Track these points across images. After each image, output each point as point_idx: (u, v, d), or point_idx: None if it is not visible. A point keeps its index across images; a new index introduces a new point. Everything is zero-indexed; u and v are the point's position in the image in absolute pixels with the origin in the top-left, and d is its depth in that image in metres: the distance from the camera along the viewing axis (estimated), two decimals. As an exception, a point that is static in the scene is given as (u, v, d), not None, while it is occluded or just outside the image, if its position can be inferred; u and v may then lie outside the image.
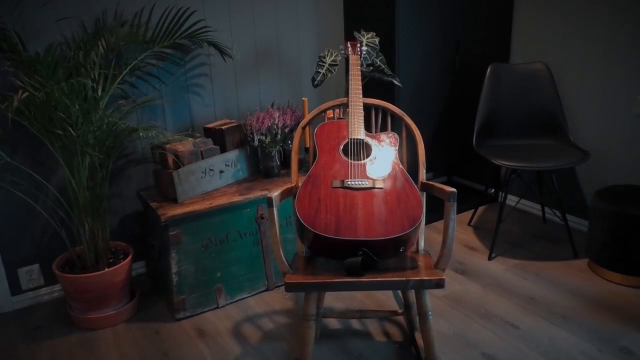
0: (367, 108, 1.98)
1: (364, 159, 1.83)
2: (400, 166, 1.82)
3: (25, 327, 2.27)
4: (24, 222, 2.35)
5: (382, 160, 1.83)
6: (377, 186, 1.70)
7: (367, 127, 1.95)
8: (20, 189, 2.27)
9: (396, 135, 1.91)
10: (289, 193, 1.80)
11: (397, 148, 1.88)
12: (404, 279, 1.56)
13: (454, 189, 1.61)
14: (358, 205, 1.64)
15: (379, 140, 1.89)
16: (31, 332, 2.23)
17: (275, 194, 1.67)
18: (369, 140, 1.88)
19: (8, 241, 2.33)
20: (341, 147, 1.86)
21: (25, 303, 2.42)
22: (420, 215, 1.62)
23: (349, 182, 1.71)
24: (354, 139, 1.86)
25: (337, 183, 1.72)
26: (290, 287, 1.59)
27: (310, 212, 1.62)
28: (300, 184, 1.75)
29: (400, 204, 1.65)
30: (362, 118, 1.90)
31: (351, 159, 1.82)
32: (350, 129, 1.88)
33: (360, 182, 1.71)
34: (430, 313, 1.68)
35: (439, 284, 1.56)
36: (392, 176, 1.76)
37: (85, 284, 2.15)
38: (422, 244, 1.83)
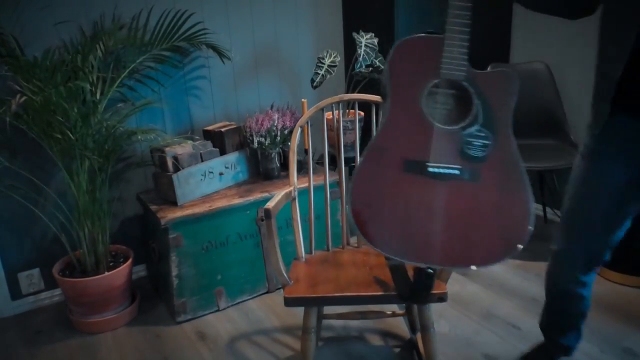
0: None
1: (459, 122, 1.22)
2: (514, 140, 1.21)
3: (26, 331, 2.26)
4: (23, 226, 2.35)
5: (487, 125, 1.20)
6: (471, 178, 1.19)
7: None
8: (20, 193, 2.27)
9: (514, 75, 1.26)
10: (287, 198, 1.73)
11: (515, 99, 1.24)
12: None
13: None
14: (439, 213, 1.20)
15: (487, 85, 1.21)
16: (31, 337, 2.22)
17: (272, 204, 1.55)
18: (469, 85, 1.22)
19: (8, 246, 2.33)
20: (425, 92, 1.24)
21: (25, 307, 2.42)
22: (525, 237, 1.22)
23: (431, 168, 1.21)
24: (447, 79, 1.23)
25: (412, 166, 1.21)
26: (289, 302, 1.52)
27: (364, 209, 1.19)
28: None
29: (500, 212, 1.21)
30: (466, 41, 1.21)
31: (438, 120, 1.23)
32: (443, 60, 1.21)
33: (447, 169, 1.20)
34: (433, 326, 1.65)
35: (441, 299, 1.51)
36: (498, 159, 1.18)
37: (86, 287, 2.14)
38: None
